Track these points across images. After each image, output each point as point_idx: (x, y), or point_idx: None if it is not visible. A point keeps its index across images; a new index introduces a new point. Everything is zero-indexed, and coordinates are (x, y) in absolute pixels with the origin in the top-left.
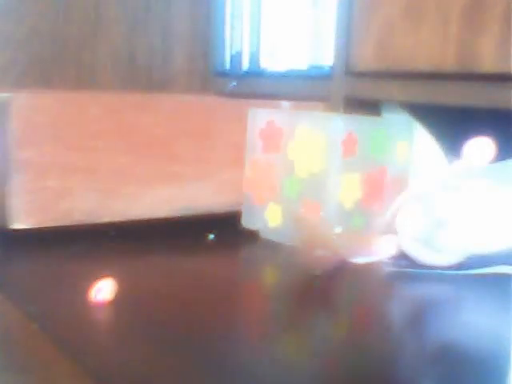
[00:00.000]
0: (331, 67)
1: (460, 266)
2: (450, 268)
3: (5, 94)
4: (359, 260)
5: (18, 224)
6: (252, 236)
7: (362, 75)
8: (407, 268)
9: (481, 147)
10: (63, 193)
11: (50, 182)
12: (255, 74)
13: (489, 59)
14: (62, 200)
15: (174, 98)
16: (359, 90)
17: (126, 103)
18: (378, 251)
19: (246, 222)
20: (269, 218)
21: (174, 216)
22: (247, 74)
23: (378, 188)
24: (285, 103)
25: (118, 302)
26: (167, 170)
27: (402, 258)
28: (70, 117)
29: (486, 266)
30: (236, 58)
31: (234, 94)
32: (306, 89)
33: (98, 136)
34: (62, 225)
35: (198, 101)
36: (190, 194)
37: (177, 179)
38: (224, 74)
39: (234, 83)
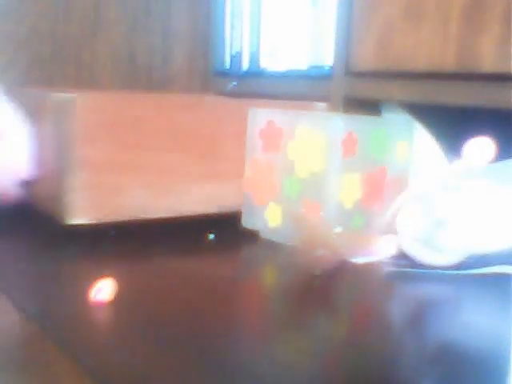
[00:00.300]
0: (331, 67)
1: (460, 266)
2: (450, 268)
3: (67, 94)
4: (359, 260)
5: (75, 219)
6: (252, 236)
7: (361, 75)
8: (407, 268)
9: (481, 147)
10: (117, 189)
11: (105, 179)
12: (255, 73)
13: (489, 59)
14: (116, 196)
15: (220, 100)
16: (359, 90)
17: (178, 104)
18: (378, 251)
19: (246, 222)
20: (269, 218)
21: (222, 212)
22: (247, 73)
23: (378, 188)
24: (320, 104)
25: (118, 301)
26: (214, 167)
27: (402, 258)
28: (126, 117)
29: (485, 266)
30: (236, 58)
31: (233, 94)
32: (305, 89)
33: (151, 135)
34: (114, 220)
35: (241, 103)
36: (234, 191)
37: (223, 177)
38: (224, 74)
39: (234, 83)
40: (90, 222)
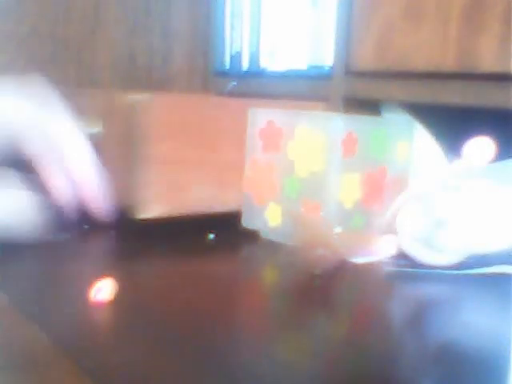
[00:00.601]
0: (331, 67)
1: (460, 266)
2: (450, 268)
3: (137, 96)
4: (359, 260)
5: (145, 214)
6: (252, 236)
7: (361, 75)
8: (407, 268)
9: (481, 147)
10: (182, 185)
11: (171, 175)
12: (255, 73)
13: (489, 59)
14: (181, 192)
15: (282, 101)
16: (359, 89)
17: (239, 107)
18: (378, 251)
19: (246, 222)
20: (269, 217)
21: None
22: (247, 73)
23: (378, 188)
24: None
25: (118, 301)
26: None
27: (402, 257)
28: (193, 117)
29: (486, 265)
30: (236, 58)
31: (233, 94)
32: (305, 89)
33: (216, 135)
34: (180, 215)
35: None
36: None
37: None
38: (224, 74)
39: (234, 83)
40: (158, 216)
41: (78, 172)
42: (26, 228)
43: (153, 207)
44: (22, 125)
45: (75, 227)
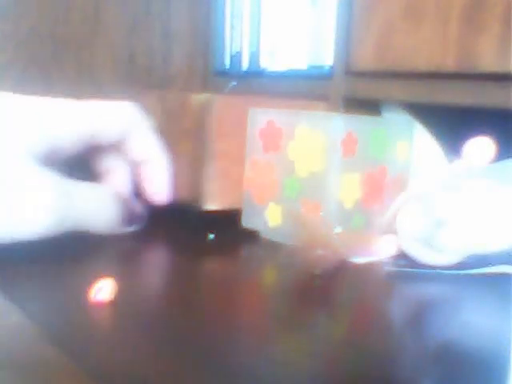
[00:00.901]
0: (331, 67)
1: (460, 266)
2: (450, 268)
3: (205, 95)
4: (359, 260)
5: (210, 205)
6: (252, 236)
7: (361, 75)
8: (407, 268)
9: (481, 147)
10: (242, 179)
11: (233, 170)
12: (255, 73)
13: (489, 59)
14: (242, 186)
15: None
16: (359, 89)
17: (296, 107)
18: (378, 251)
19: (246, 222)
20: (269, 217)
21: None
22: (247, 73)
23: (377, 188)
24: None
25: (118, 301)
26: None
27: (402, 257)
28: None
29: (486, 265)
30: (236, 58)
31: (234, 94)
32: (305, 89)
33: None
34: (241, 208)
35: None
36: None
37: None
38: (224, 74)
39: (234, 83)
40: (221, 209)
41: (151, 167)
42: (104, 221)
43: (218, 199)
44: (126, 129)
45: (145, 220)
